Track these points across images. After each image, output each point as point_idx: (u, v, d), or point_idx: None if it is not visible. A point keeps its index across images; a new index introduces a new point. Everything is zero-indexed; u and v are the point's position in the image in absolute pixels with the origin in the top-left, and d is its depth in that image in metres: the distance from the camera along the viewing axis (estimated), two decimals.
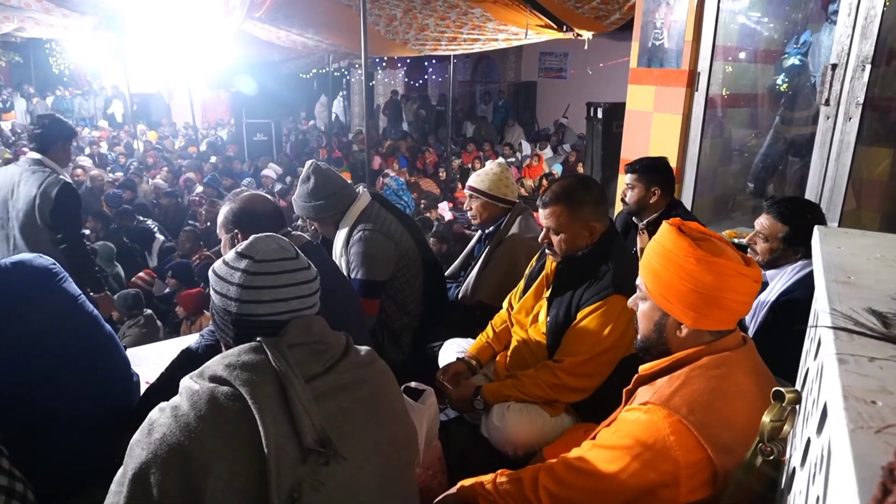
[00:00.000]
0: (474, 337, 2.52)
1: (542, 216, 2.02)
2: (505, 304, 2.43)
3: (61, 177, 3.23)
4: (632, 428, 1.25)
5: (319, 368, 1.20)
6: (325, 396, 1.16)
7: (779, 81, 4.11)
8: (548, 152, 11.57)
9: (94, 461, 1.89)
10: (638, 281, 1.38)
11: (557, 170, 10.03)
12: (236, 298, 1.19)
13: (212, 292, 1.25)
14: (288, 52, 9.66)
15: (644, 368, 1.35)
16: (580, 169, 9.43)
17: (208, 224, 7.22)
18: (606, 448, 1.28)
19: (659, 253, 1.32)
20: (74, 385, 1.81)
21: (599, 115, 5.01)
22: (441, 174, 9.34)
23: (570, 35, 6.55)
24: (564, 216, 1.97)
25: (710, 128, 3.94)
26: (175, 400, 1.14)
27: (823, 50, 3.94)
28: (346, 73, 16.08)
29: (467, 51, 8.05)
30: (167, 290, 5.41)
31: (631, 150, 4.13)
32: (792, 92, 4.03)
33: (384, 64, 15.10)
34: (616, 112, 4.86)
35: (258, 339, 1.17)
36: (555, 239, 2.02)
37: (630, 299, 1.42)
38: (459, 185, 8.98)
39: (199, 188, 8.20)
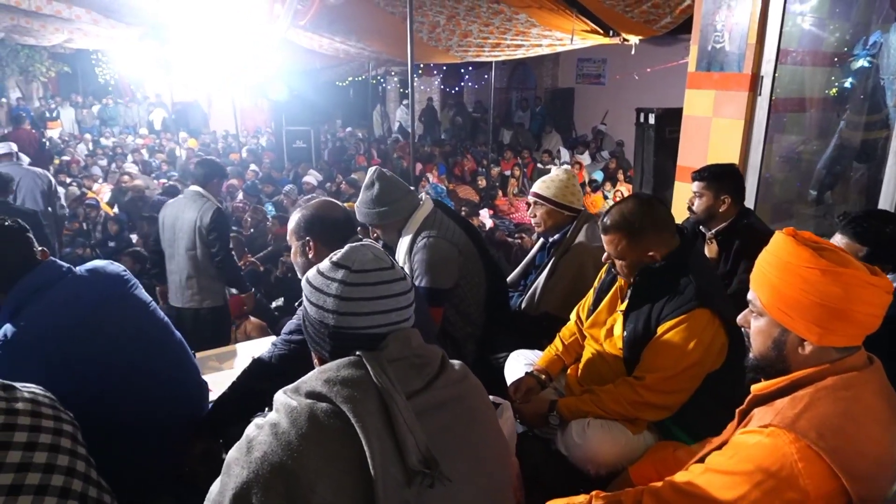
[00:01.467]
0: (540, 348, 2.45)
1: (603, 241, 1.96)
2: (573, 316, 2.35)
3: (215, 205, 3.99)
4: (752, 452, 1.16)
5: (419, 384, 1.14)
6: (426, 414, 1.11)
7: (847, 84, 3.95)
8: (586, 159, 11.44)
9: (166, 469, 1.88)
10: (750, 296, 1.30)
11: (598, 177, 9.90)
12: (334, 310, 1.14)
13: (306, 304, 1.20)
14: (329, 59, 9.73)
15: (759, 388, 1.27)
16: (620, 177, 9.30)
17: (252, 231, 7.29)
18: (722, 473, 1.20)
19: (776, 265, 1.23)
20: (148, 392, 1.79)
21: (651, 120, 4.89)
22: (480, 182, 9.27)
23: (616, 40, 6.45)
24: (623, 244, 1.90)
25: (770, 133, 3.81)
26: (272, 417, 1.10)
27: (893, 51, 3.78)
28: (382, 80, 16.18)
29: (510, 57, 7.99)
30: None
31: (688, 156, 4.01)
32: (861, 95, 3.87)
33: (420, 71, 15.14)
34: (669, 117, 4.74)
35: (357, 353, 1.12)
36: (617, 263, 1.96)
37: (740, 316, 1.34)
38: (500, 193, 8.92)
39: (240, 194, 8.28)
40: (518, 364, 2.36)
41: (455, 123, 14.68)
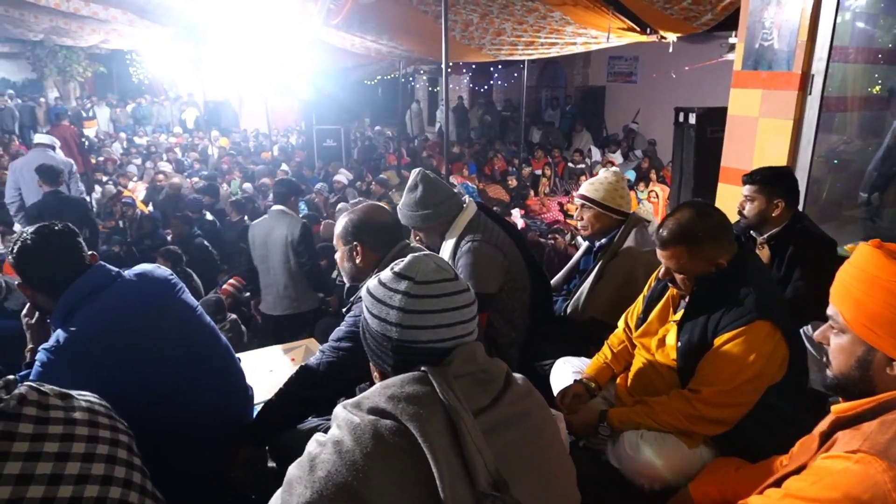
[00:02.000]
0: (586, 354, 2.39)
1: (661, 256, 1.88)
2: (621, 323, 2.29)
3: (300, 220, 4.47)
4: (838, 479, 1.09)
5: (486, 401, 1.10)
6: (494, 432, 1.07)
7: None
8: (617, 158, 11.28)
9: (212, 475, 1.86)
10: (830, 311, 1.22)
11: (631, 176, 9.74)
12: (397, 323, 1.10)
13: (367, 315, 1.17)
14: (360, 58, 9.74)
15: (841, 409, 1.20)
16: (653, 177, 9.14)
17: None
18: (805, 500, 1.13)
19: (860, 278, 1.16)
20: (195, 398, 1.78)
21: (691, 120, 4.77)
22: (510, 181, 9.18)
23: (653, 38, 6.32)
24: (685, 258, 1.83)
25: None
26: (335, 433, 1.06)
27: None
28: (411, 78, 16.17)
29: (544, 55, 7.90)
30: (247, 294, 5.48)
31: (733, 157, 3.90)
32: None
33: (449, 69, 15.09)
34: (711, 117, 4.61)
35: (422, 368, 1.08)
36: (678, 278, 1.88)
37: (818, 332, 1.27)
38: (531, 193, 8.83)
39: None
40: (565, 371, 2.30)
41: (484, 122, 14.60)
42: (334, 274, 5.88)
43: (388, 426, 1.03)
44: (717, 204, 3.98)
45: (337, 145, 11.45)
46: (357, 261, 1.90)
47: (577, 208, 2.70)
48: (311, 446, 1.07)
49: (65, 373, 1.52)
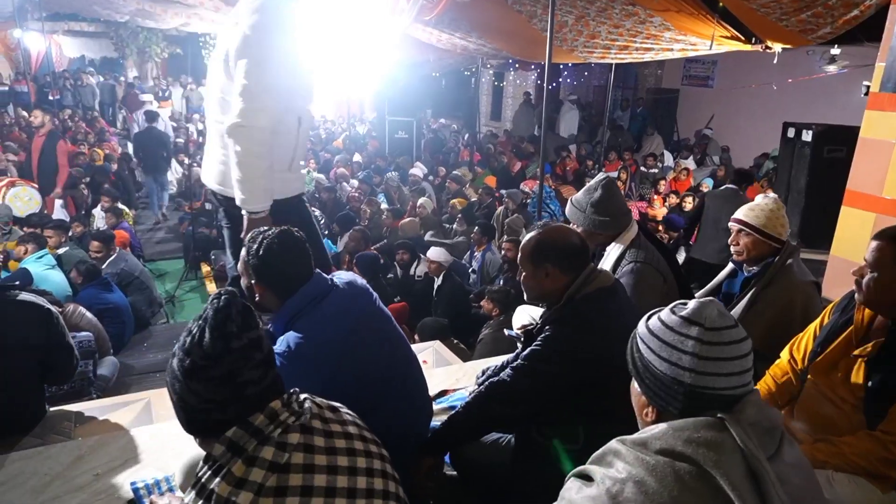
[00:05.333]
0: None
1: (869, 248, 1.86)
2: (785, 355, 2.26)
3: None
4: None
5: (773, 449, 1.13)
6: (783, 481, 1.09)
7: None
8: (690, 164, 11.06)
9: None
10: None
11: (708, 184, 9.53)
12: (691, 369, 1.13)
13: (650, 357, 1.19)
14: (441, 52, 9.77)
15: None
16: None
17: (366, 222, 7.43)
18: None
19: None
20: (399, 407, 1.84)
21: (805, 137, 4.65)
22: (587, 183, 9.08)
23: (758, 47, 6.17)
24: (888, 257, 1.80)
25: None
26: (629, 472, 1.09)
27: None
28: (477, 72, 16.12)
29: (637, 60, 7.79)
30: None
31: (862, 181, 3.78)
32: None
33: (517, 65, 14.99)
34: (829, 135, 4.49)
35: (718, 415, 1.10)
36: (867, 275, 1.84)
37: None
38: None
39: (355, 183, 8.41)
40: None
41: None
42: (414, 270, 5.97)
43: (686, 469, 1.06)
44: (839, 228, 3.89)
45: (408, 137, 11.54)
46: (547, 281, 1.92)
47: (732, 232, 2.67)
48: (609, 484, 1.10)
49: (297, 379, 1.58)
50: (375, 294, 1.95)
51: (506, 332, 3.12)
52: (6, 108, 13.58)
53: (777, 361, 2.29)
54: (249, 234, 1.77)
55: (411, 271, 5.97)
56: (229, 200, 2.37)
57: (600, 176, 2.51)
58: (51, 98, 13.67)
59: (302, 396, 1.28)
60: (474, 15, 7.33)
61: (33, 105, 10.36)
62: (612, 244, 2.45)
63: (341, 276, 1.87)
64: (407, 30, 8.25)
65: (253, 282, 1.75)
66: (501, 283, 5.66)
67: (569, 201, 2.56)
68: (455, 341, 4.07)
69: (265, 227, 1.77)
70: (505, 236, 6.71)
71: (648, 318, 1.25)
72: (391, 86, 11.51)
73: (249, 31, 2.15)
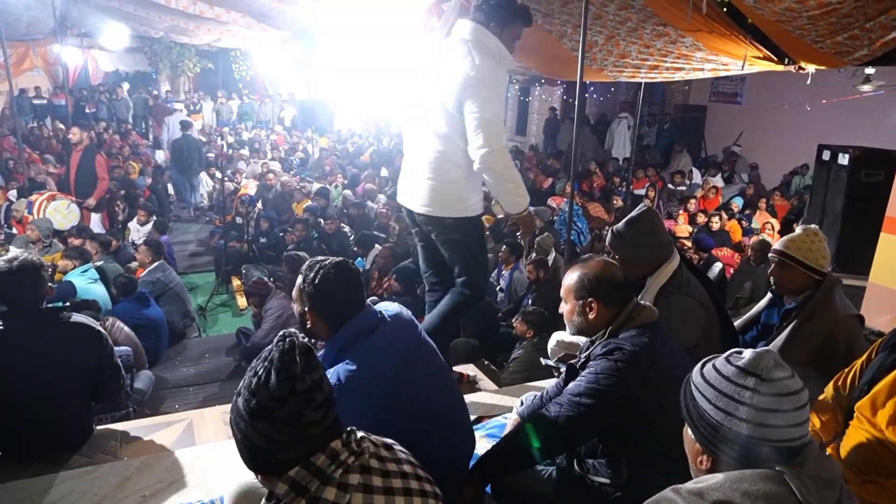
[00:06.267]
0: None
1: None
2: (828, 391, 2.24)
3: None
4: None
5: (833, 501, 1.13)
6: None
7: None
8: (718, 181, 10.96)
9: None
10: None
11: (738, 202, 9.46)
12: (748, 420, 1.13)
13: (705, 406, 1.20)
14: None
15: None
16: (761, 205, 8.82)
17: (394, 239, 7.48)
18: None
19: None
20: (444, 437, 1.86)
21: (842, 160, 4.60)
22: (615, 201, 9.06)
23: (790, 68, 6.12)
24: None
25: None
26: None
27: None
28: None
29: (667, 79, 7.76)
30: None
31: None
32: None
33: (543, 80, 15.00)
34: (868, 159, 4.43)
35: (777, 468, 1.11)
36: None
37: None
38: None
39: (383, 198, 8.48)
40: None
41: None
42: None
43: None
44: (878, 254, 3.84)
45: None
46: (590, 316, 1.94)
47: (772, 264, 2.66)
48: None
49: (348, 412, 1.61)
50: (420, 326, 1.98)
51: (542, 361, 3.12)
52: (45, 121, 13.98)
53: (820, 397, 2.27)
54: (307, 263, 1.83)
55: None
56: (433, 220, 2.74)
57: (642, 206, 2.50)
58: (87, 111, 14.07)
59: (359, 434, 1.31)
60: None
61: (70, 118, 10.67)
62: (654, 275, 2.43)
63: (388, 309, 1.90)
64: (437, 47, 8.32)
65: (306, 308, 1.79)
66: (529, 301, 5.66)
67: (609, 231, 2.55)
68: (486, 362, 4.07)
69: (322, 258, 1.82)
70: (533, 254, 6.71)
71: (703, 365, 1.26)
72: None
73: (472, 72, 2.47)
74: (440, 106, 2.58)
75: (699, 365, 1.27)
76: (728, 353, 1.24)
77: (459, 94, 2.50)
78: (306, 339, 1.26)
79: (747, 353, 1.20)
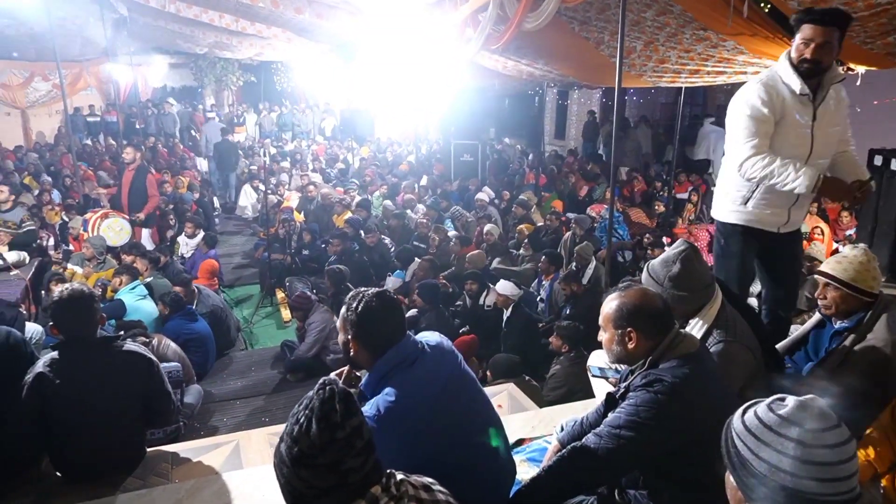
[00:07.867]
0: None
1: None
2: (883, 418, 2.16)
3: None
4: None
5: None
6: None
7: None
8: None
9: None
10: None
11: None
12: (791, 472, 1.11)
13: (748, 454, 1.17)
14: (506, 78, 9.83)
15: None
16: (812, 209, 8.54)
17: (433, 250, 7.51)
18: None
19: None
20: (484, 468, 1.88)
21: (894, 165, 4.43)
22: (657, 206, 8.90)
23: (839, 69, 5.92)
24: None
25: None
26: None
27: None
28: (541, 91, 16.10)
29: (708, 83, 7.61)
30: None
31: None
32: None
33: (581, 84, 14.86)
34: None
35: None
36: None
37: None
38: (679, 221, 8.52)
39: (422, 208, 8.52)
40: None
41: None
42: (483, 300, 5.98)
43: None
44: None
45: (473, 160, 11.63)
46: (629, 346, 1.92)
47: (818, 286, 2.58)
48: None
49: (387, 443, 1.65)
50: (460, 356, 2.00)
51: (590, 374, 3.03)
52: (98, 137, 14.54)
53: (874, 425, 2.19)
54: (350, 293, 1.87)
55: (480, 300, 5.99)
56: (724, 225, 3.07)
57: (679, 244, 2.35)
58: (137, 126, 14.57)
59: (399, 477, 1.33)
60: (541, 42, 7.35)
61: (121, 134, 11.07)
62: (696, 319, 2.31)
63: (429, 339, 1.93)
64: (474, 58, 8.35)
65: (350, 337, 1.83)
66: (568, 311, 5.61)
67: (645, 269, 2.40)
68: (528, 378, 4.06)
69: (364, 289, 1.87)
70: (573, 265, 6.66)
71: (744, 412, 1.24)
72: (456, 110, 11.65)
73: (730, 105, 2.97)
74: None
75: (740, 411, 1.25)
76: (771, 399, 1.22)
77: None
78: (346, 386, 1.29)
79: (791, 402, 1.17)
